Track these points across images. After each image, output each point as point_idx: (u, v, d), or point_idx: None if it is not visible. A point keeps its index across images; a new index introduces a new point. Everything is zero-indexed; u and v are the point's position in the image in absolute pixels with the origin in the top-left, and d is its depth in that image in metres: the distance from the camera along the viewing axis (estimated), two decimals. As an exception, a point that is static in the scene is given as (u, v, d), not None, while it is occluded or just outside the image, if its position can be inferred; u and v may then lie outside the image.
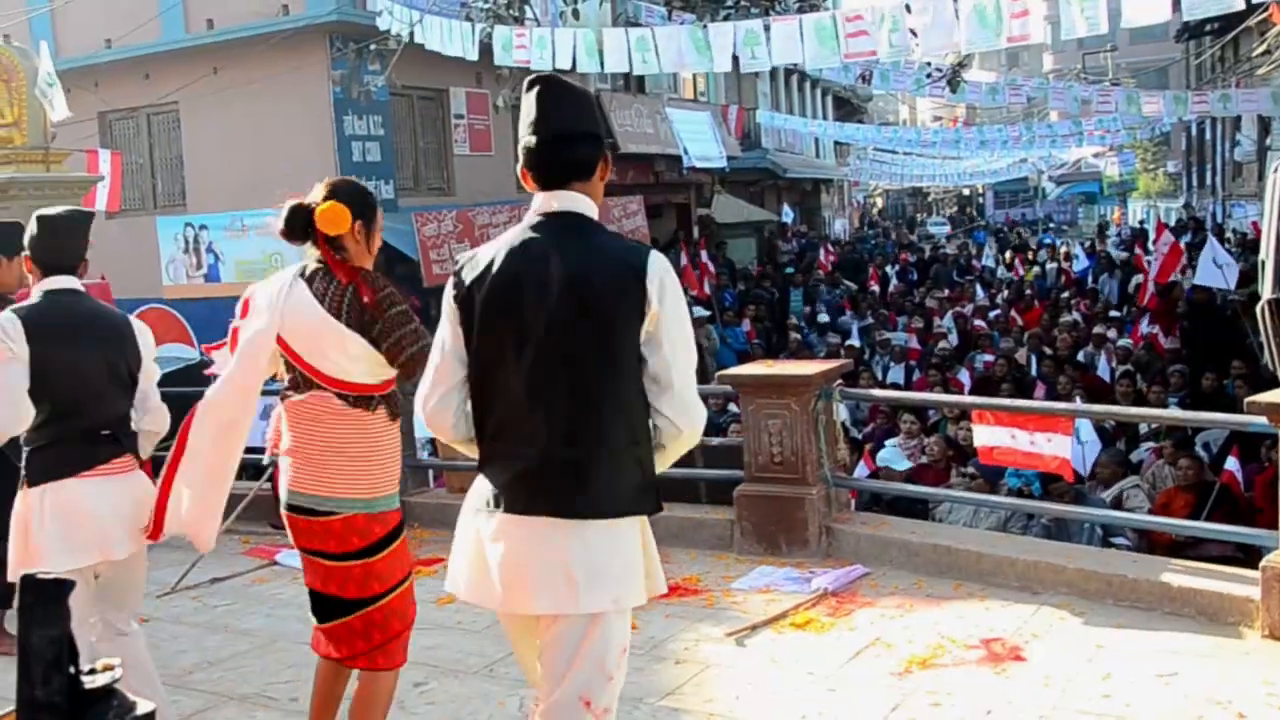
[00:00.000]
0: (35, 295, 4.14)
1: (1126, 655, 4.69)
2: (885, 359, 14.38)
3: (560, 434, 2.79)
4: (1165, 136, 41.92)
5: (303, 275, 3.66)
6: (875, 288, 21.23)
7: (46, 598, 1.96)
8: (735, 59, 8.51)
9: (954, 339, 15.50)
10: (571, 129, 2.98)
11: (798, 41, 7.87)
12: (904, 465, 9.11)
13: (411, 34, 11.25)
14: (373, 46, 13.74)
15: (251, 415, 3.82)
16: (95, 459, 3.89)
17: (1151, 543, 7.33)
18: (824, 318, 18.46)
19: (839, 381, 6.65)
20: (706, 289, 18.88)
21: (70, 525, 3.83)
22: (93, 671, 1.98)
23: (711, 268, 19.93)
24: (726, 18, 10.30)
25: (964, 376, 12.71)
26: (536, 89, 2.98)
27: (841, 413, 7.17)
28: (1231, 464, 7.72)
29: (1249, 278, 13.91)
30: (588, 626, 2.81)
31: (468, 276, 2.92)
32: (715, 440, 7.84)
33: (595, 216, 2.95)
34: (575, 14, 11.87)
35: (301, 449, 3.57)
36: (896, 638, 5.04)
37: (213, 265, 16.22)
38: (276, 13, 15.34)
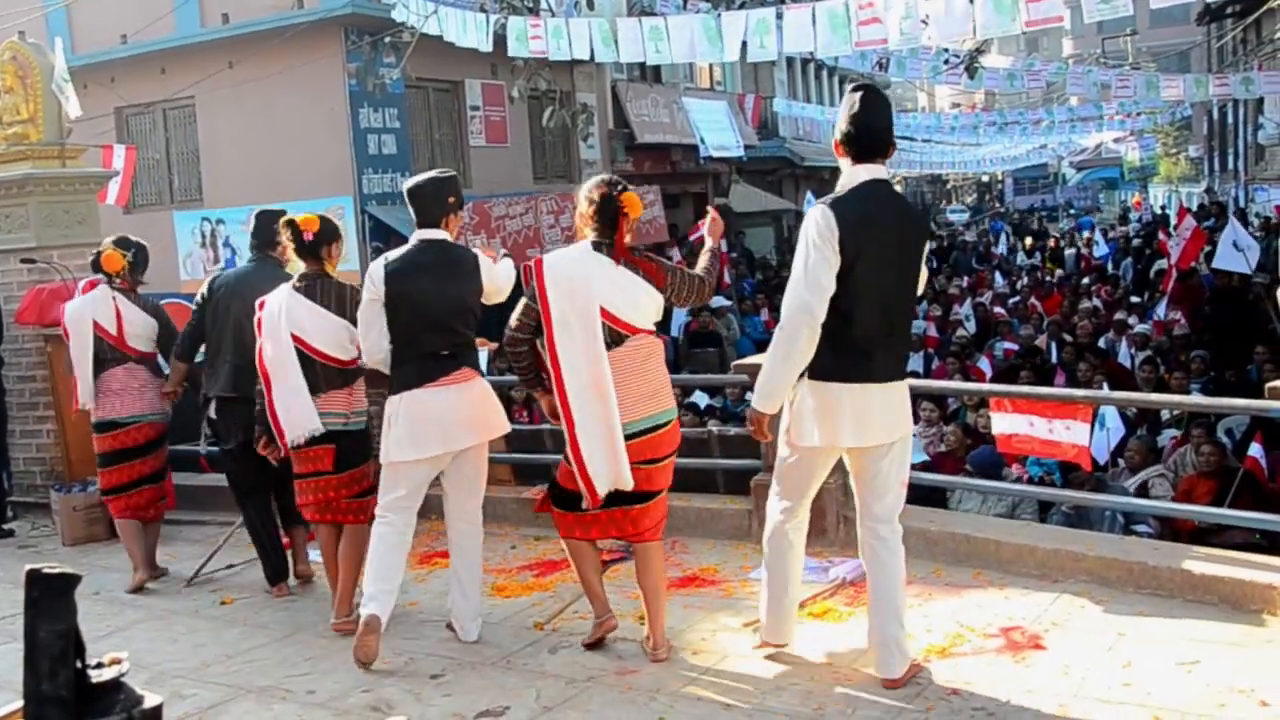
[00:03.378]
0: (410, 243, 5.18)
1: (1147, 643, 4.65)
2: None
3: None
4: (1186, 120, 41.57)
5: (596, 249, 4.71)
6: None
7: (53, 592, 1.96)
8: (745, 47, 8.45)
9: (972, 326, 15.42)
10: (888, 128, 4.38)
11: (809, 29, 7.81)
12: (919, 457, 9.06)
13: (426, 26, 11.23)
14: (387, 39, 13.74)
15: (607, 377, 4.61)
16: (440, 372, 4.97)
17: (1175, 530, 7.28)
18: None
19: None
20: (727, 278, 18.86)
21: (416, 424, 4.93)
22: (99, 665, 1.98)
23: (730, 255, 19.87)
24: (742, 6, 10.24)
25: (984, 364, 12.64)
26: (861, 94, 4.34)
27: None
28: (1255, 450, 7.65)
29: (1273, 263, 13.83)
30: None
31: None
32: (733, 430, 7.82)
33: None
34: (590, 4, 11.83)
35: (632, 385, 4.63)
36: (915, 627, 5.00)
37: (230, 259, 16.27)
38: (291, 6, 15.36)
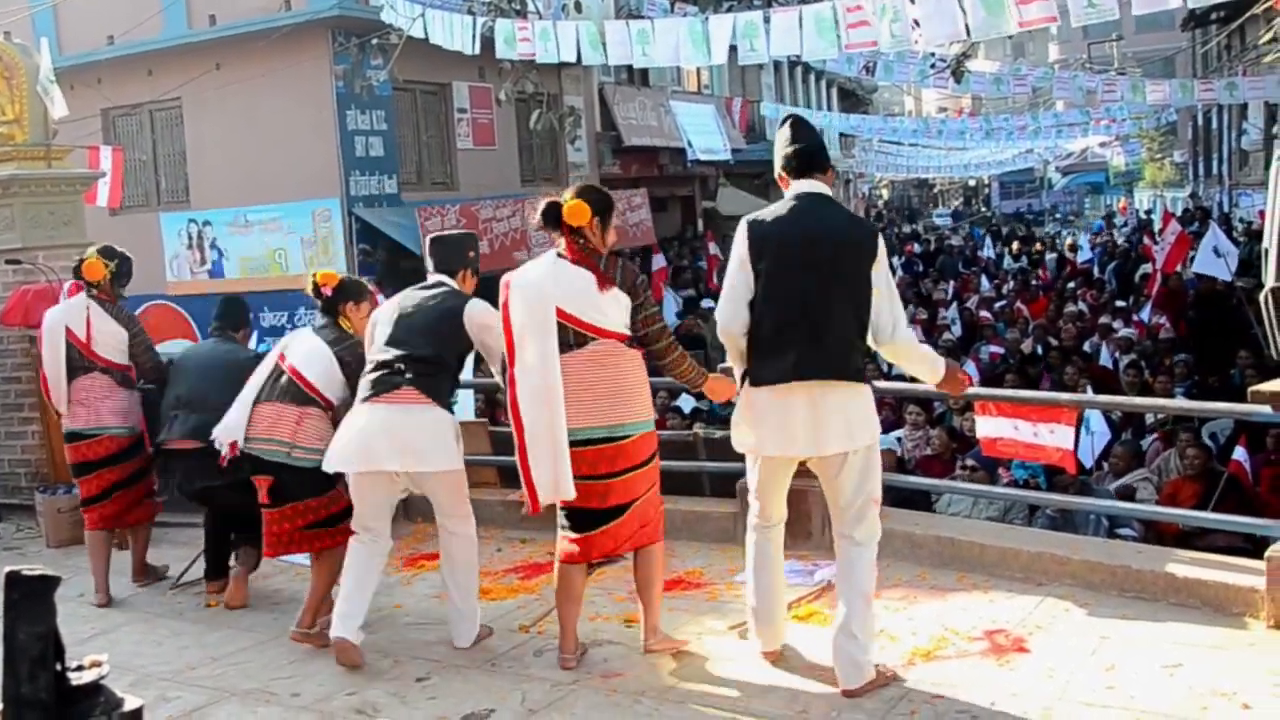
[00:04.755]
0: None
1: (1131, 646, 4.67)
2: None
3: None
4: (1171, 126, 41.76)
5: (558, 256, 4.71)
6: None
7: (33, 594, 1.95)
8: (733, 50, 8.45)
9: (957, 330, 15.45)
10: (818, 149, 4.60)
11: (797, 32, 7.81)
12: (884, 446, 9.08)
13: (414, 28, 11.21)
14: (375, 41, 13.70)
15: (557, 379, 4.55)
16: (385, 388, 4.98)
17: (1159, 533, 7.30)
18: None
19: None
20: (715, 280, 18.88)
21: (345, 436, 4.99)
22: (80, 668, 1.97)
23: (721, 258, 19.89)
24: (729, 9, 10.24)
25: (970, 368, 12.66)
26: (790, 122, 4.65)
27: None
28: (1239, 454, 7.68)
29: (1254, 267, 13.87)
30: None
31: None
32: (718, 433, 7.82)
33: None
34: (578, 6, 11.82)
35: (589, 390, 4.56)
36: (900, 629, 5.02)
37: (216, 261, 16.25)
38: (278, 8, 15.33)
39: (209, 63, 15.65)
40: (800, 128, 4.60)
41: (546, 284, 4.61)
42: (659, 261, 18.18)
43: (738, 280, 4.44)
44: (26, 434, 8.42)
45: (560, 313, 4.57)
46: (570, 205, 4.63)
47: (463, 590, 5.20)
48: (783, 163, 4.55)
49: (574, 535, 4.72)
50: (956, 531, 6.07)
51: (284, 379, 5.47)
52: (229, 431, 5.52)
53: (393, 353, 5.00)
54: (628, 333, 4.66)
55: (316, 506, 5.39)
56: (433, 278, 5.26)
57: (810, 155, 4.51)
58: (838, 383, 4.33)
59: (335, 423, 5.34)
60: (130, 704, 2.01)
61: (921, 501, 7.83)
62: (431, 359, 5.01)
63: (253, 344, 12.49)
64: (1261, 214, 22.26)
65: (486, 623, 5.37)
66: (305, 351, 5.51)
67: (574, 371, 4.57)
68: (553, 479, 4.54)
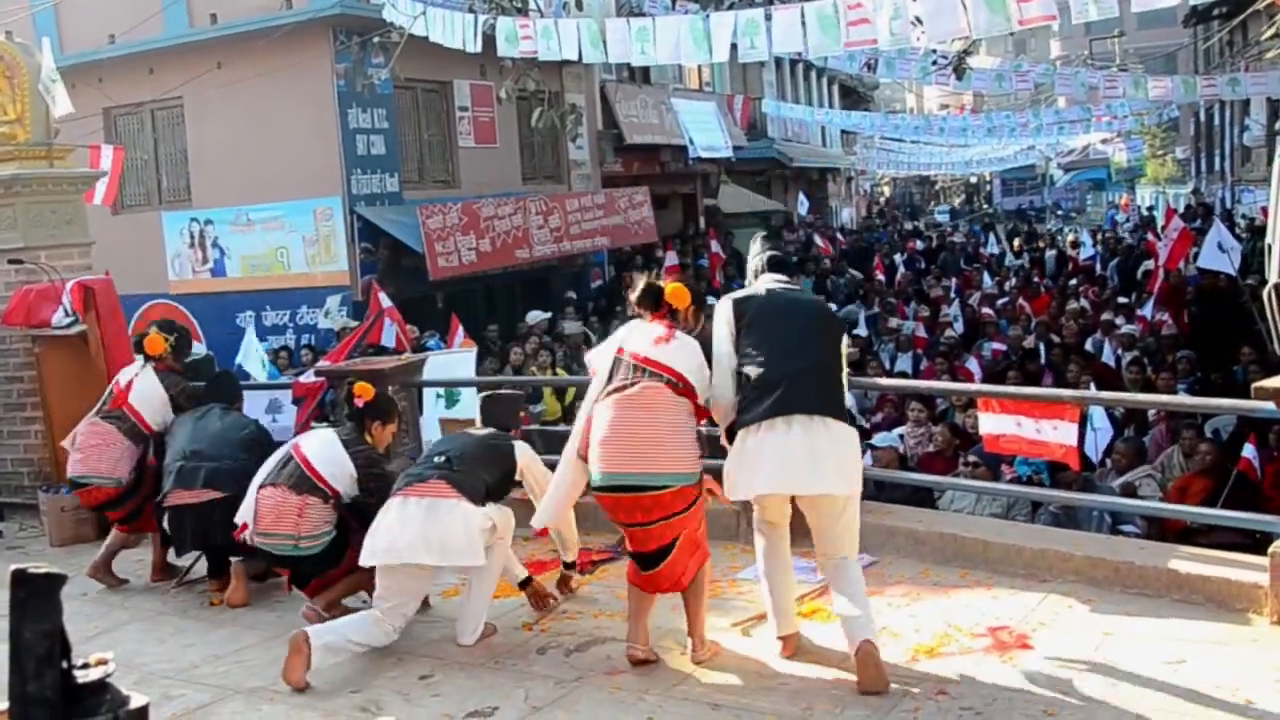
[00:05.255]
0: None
1: (1134, 642, 4.67)
2: (892, 347, 14.34)
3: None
4: (1174, 122, 41.67)
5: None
6: (881, 277, 21.15)
7: (39, 592, 1.95)
8: (734, 48, 8.42)
9: (959, 327, 15.44)
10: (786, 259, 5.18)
11: (799, 30, 7.78)
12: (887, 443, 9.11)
13: (415, 26, 11.20)
14: (376, 39, 13.68)
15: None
16: (419, 480, 5.16)
17: (1163, 529, 7.30)
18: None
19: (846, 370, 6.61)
20: (720, 279, 18.89)
21: (379, 530, 5.07)
22: (85, 666, 1.97)
23: (723, 255, 19.91)
24: (730, 7, 10.22)
25: (973, 365, 12.66)
26: (760, 238, 5.24)
27: (849, 402, 7.13)
28: (1249, 451, 7.66)
29: (1258, 264, 13.86)
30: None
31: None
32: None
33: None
34: (579, 4, 11.79)
35: (627, 433, 4.59)
36: (903, 626, 5.02)
37: (218, 260, 16.25)
38: (279, 6, 15.31)
39: (210, 61, 15.63)
40: (770, 239, 5.22)
41: (620, 334, 4.96)
42: (670, 259, 18.17)
43: (724, 351, 4.71)
44: (29, 433, 8.43)
45: (620, 350, 4.81)
46: (673, 288, 4.87)
47: (482, 590, 5.23)
48: (755, 265, 5.02)
49: (638, 572, 4.79)
50: (959, 528, 6.07)
51: (291, 464, 5.54)
52: (242, 515, 5.64)
53: (435, 450, 5.30)
54: (686, 376, 4.70)
55: (335, 576, 5.50)
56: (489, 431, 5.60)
57: (780, 260, 5.04)
58: (829, 420, 4.47)
59: (340, 509, 5.50)
60: (136, 701, 2.01)
61: (924, 498, 7.83)
62: (475, 473, 5.18)
63: (255, 347, 12.62)
64: (1264, 210, 22.24)
65: (493, 620, 5.37)
66: (319, 442, 5.63)
67: (615, 410, 4.66)
68: (550, 508, 5.09)
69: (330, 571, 5.49)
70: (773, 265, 4.96)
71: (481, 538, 5.04)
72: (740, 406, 4.58)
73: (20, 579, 1.95)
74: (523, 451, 5.45)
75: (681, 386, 4.67)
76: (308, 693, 4.77)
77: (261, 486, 5.56)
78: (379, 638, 5.08)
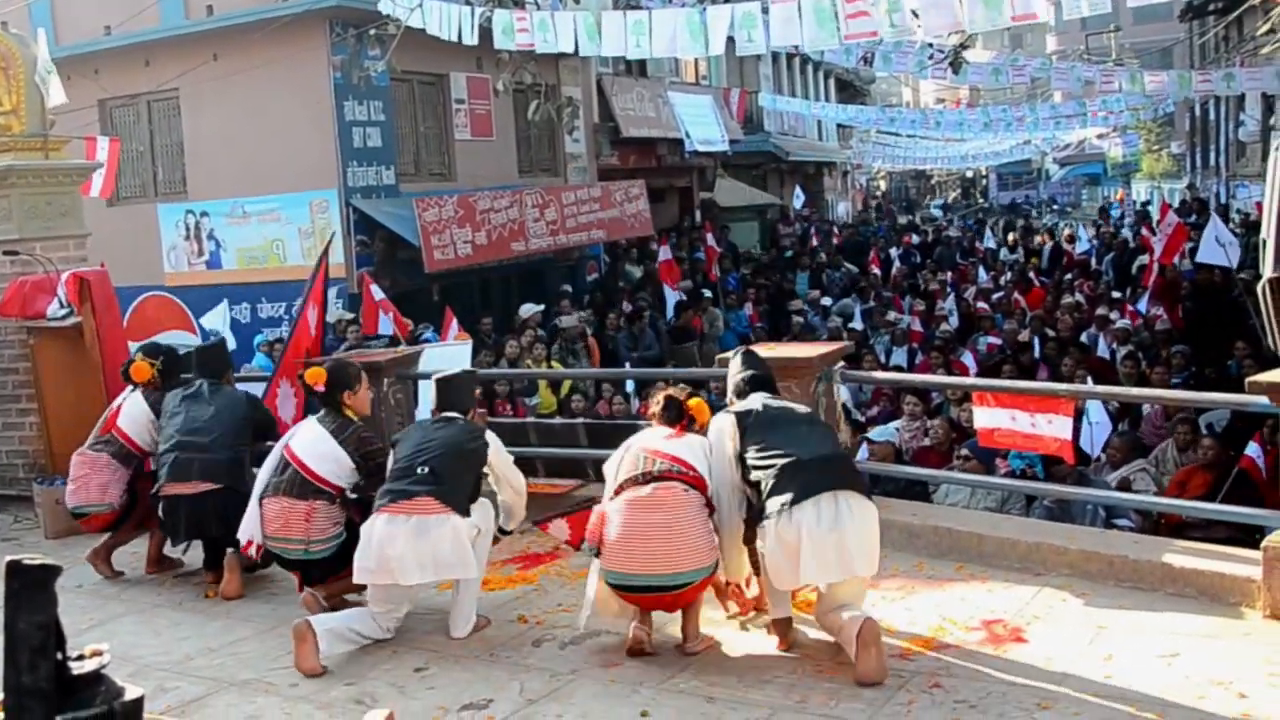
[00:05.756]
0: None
1: (1128, 636, 4.68)
2: (888, 341, 14.37)
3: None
4: (1169, 117, 41.71)
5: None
6: (876, 270, 21.17)
7: (33, 584, 1.95)
8: (731, 41, 8.43)
9: (955, 321, 15.46)
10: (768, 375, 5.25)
11: (796, 23, 7.79)
12: (884, 438, 9.13)
13: (411, 18, 11.18)
14: (372, 31, 13.66)
15: None
16: (404, 496, 5.08)
17: (1157, 524, 7.31)
18: (827, 300, 18.42)
19: (841, 364, 6.62)
20: (716, 272, 18.88)
21: (368, 549, 5.04)
22: (80, 657, 1.97)
23: (718, 250, 19.89)
24: (727, 0, 10.21)
25: (968, 359, 12.68)
26: (740, 357, 5.32)
27: (843, 395, 7.15)
28: (1253, 450, 7.65)
29: (1252, 259, 13.87)
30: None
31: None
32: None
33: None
34: (575, -3, 11.80)
35: (643, 533, 4.68)
36: (898, 619, 5.04)
37: (214, 252, 16.22)
38: (276, -2, 15.30)
39: (206, 53, 15.59)
40: (750, 358, 5.26)
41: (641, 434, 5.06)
42: (664, 254, 18.16)
43: (727, 468, 4.86)
44: (24, 425, 8.42)
45: (640, 447, 4.91)
46: (696, 404, 5.05)
47: (470, 584, 5.24)
48: (735, 387, 5.14)
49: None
50: (954, 522, 6.09)
51: (290, 470, 5.52)
52: (247, 532, 5.65)
53: (412, 460, 5.14)
54: (704, 479, 4.82)
55: (346, 575, 5.42)
56: (446, 415, 5.43)
57: (761, 380, 5.13)
58: (855, 496, 4.58)
59: (347, 506, 5.50)
60: (131, 694, 2.01)
61: (919, 492, 7.84)
62: (456, 477, 5.14)
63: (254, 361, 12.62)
64: (1259, 205, 22.27)
65: (488, 613, 5.39)
66: (310, 441, 5.58)
67: (632, 510, 4.73)
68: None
69: (343, 576, 5.46)
70: (757, 385, 5.10)
71: (470, 546, 5.07)
72: (766, 493, 4.61)
73: (15, 570, 1.95)
74: (494, 449, 5.39)
75: (692, 476, 4.78)
76: (301, 685, 4.77)
77: (264, 498, 5.56)
78: (378, 631, 5.11)
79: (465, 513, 5.07)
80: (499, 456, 5.43)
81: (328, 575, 5.52)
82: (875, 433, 9.44)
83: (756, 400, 4.98)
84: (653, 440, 4.93)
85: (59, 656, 1.96)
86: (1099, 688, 4.22)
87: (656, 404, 5.08)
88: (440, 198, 15.35)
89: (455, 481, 5.10)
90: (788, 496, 4.50)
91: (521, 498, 5.63)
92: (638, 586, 4.70)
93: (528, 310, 15.05)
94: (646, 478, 4.76)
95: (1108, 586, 5.25)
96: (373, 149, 15.89)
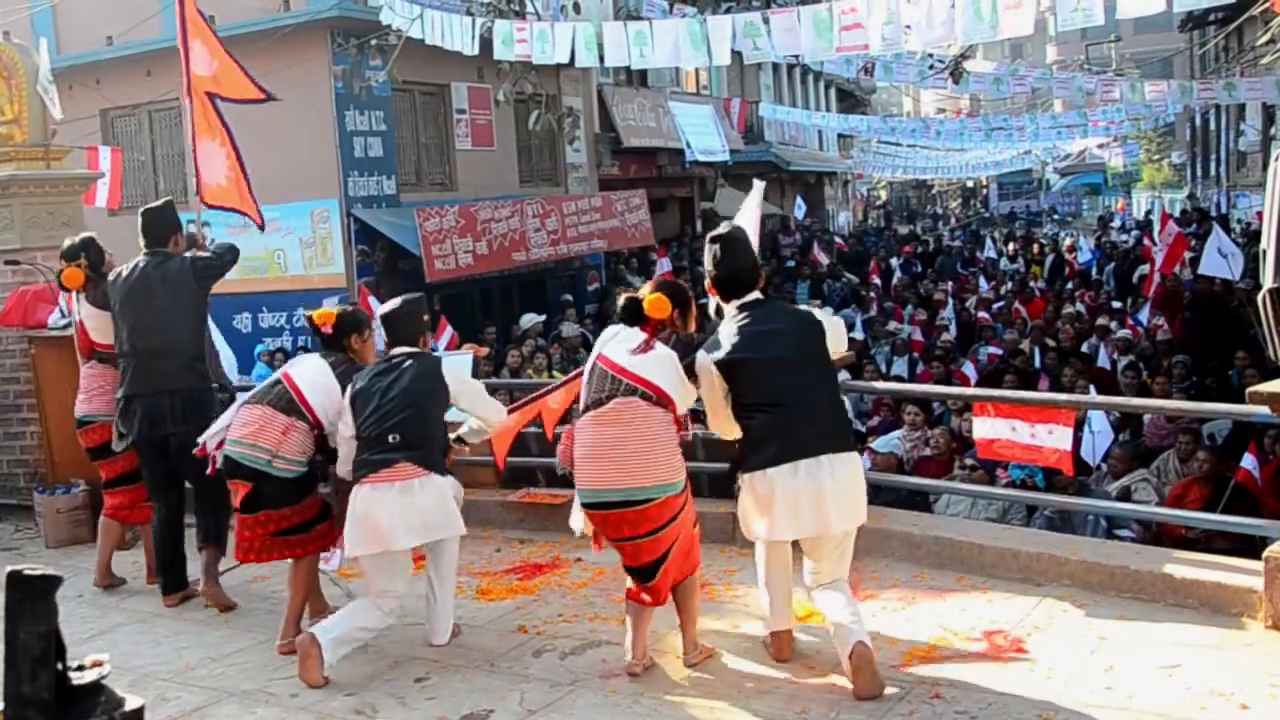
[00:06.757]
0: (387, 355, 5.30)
1: (1129, 647, 4.68)
2: (888, 351, 14.36)
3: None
4: (1169, 127, 41.79)
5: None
6: (877, 280, 21.18)
7: (34, 594, 1.95)
8: (735, 53, 8.48)
9: (955, 331, 15.46)
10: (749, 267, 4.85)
11: (795, 34, 7.83)
12: (888, 448, 9.12)
13: (412, 29, 11.23)
14: (374, 41, 13.72)
15: None
16: (383, 465, 5.00)
17: (1159, 535, 7.30)
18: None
19: (841, 373, 6.61)
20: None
21: (358, 522, 4.96)
22: (81, 668, 1.97)
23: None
24: (728, 11, 10.25)
25: (969, 369, 12.68)
26: (720, 244, 4.80)
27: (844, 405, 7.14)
28: (1249, 462, 7.65)
29: (1252, 269, 13.88)
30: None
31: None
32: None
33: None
34: (576, 8, 11.84)
35: (608, 450, 4.60)
36: (898, 630, 5.03)
37: (214, 262, 16.21)
38: (278, 8, 15.32)
39: (208, 63, 15.62)
40: (728, 251, 4.80)
41: (606, 340, 4.87)
42: (664, 265, 18.16)
43: (716, 397, 4.72)
44: (25, 435, 8.42)
45: (601, 358, 4.77)
46: (652, 300, 4.77)
47: (446, 588, 5.26)
48: (713, 283, 4.85)
49: (638, 588, 4.76)
50: (955, 532, 6.08)
51: (279, 387, 5.46)
52: (215, 436, 5.52)
53: (380, 426, 5.02)
54: (668, 392, 4.69)
55: (290, 514, 5.38)
56: (394, 352, 5.27)
57: (740, 277, 4.78)
58: (834, 457, 4.50)
59: (318, 442, 5.40)
60: (131, 704, 2.01)
61: (920, 502, 7.84)
62: (427, 433, 5.07)
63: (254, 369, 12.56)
64: (1259, 215, 22.27)
65: (488, 623, 5.39)
66: (311, 369, 5.52)
67: (595, 429, 4.67)
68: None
69: (284, 510, 5.35)
70: (738, 287, 4.79)
71: (454, 505, 5.09)
72: (748, 445, 4.61)
73: (16, 581, 1.95)
74: (455, 382, 5.25)
75: (656, 399, 4.67)
76: (302, 696, 4.77)
77: (244, 405, 5.48)
78: (381, 619, 5.07)
79: (444, 471, 5.08)
80: (463, 387, 5.31)
81: (269, 506, 5.34)
82: (878, 443, 9.44)
83: (733, 328, 4.68)
84: (620, 354, 4.73)
85: (59, 666, 1.96)
86: (1100, 699, 4.21)
87: (618, 308, 4.91)
88: (441, 208, 15.37)
89: (428, 442, 5.05)
90: (768, 455, 4.49)
91: (491, 428, 5.52)
92: (598, 504, 4.65)
93: (528, 321, 15.07)
94: (611, 395, 4.67)
95: (1109, 597, 5.24)
96: (374, 159, 15.91)
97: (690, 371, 4.75)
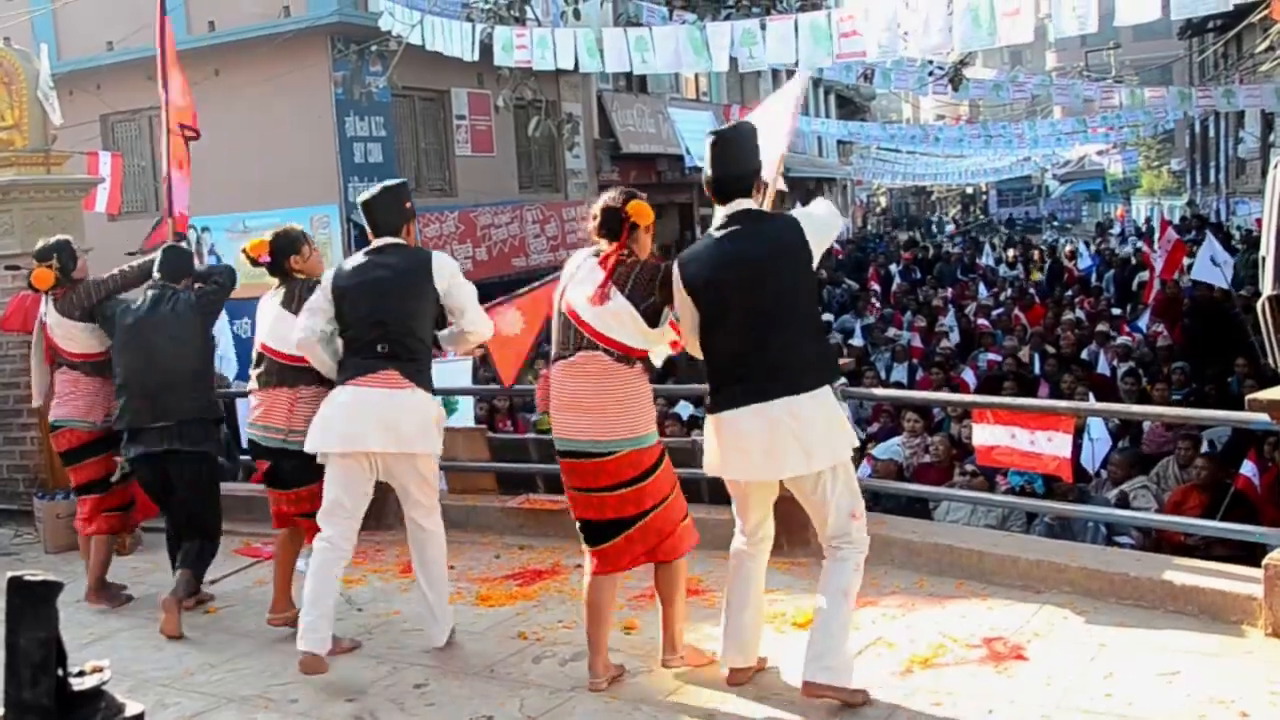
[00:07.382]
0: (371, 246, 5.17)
1: (1129, 654, 4.67)
2: (888, 357, 14.37)
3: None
4: (1169, 134, 41.87)
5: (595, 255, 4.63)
6: (876, 287, 21.20)
7: (35, 600, 1.95)
8: (733, 60, 8.50)
9: (955, 337, 15.47)
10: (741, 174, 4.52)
11: (793, 41, 7.85)
12: (888, 455, 9.12)
13: (412, 35, 11.24)
14: (374, 47, 13.73)
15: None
16: (368, 369, 4.93)
17: (1159, 542, 7.30)
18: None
19: (841, 380, 6.61)
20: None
21: (328, 416, 4.99)
22: (81, 673, 1.97)
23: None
24: (728, 17, 10.27)
25: (968, 375, 12.68)
26: (713, 141, 4.55)
27: (844, 412, 7.14)
28: (1248, 469, 7.65)
29: (1251, 275, 13.89)
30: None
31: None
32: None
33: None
34: (576, 14, 11.84)
35: (572, 400, 4.51)
36: (898, 637, 5.02)
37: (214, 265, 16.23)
38: (278, 14, 15.35)
39: (208, 69, 15.64)
40: (719, 150, 4.52)
41: (570, 282, 4.63)
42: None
43: (686, 315, 4.48)
44: (25, 440, 8.41)
45: (570, 311, 4.58)
46: (635, 206, 4.57)
47: (438, 590, 5.23)
48: (712, 184, 4.54)
49: (588, 548, 4.66)
50: (955, 539, 6.07)
51: (266, 361, 5.51)
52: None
53: (378, 332, 4.95)
54: (627, 344, 4.52)
55: (309, 496, 5.34)
56: (380, 243, 5.14)
57: (728, 183, 4.47)
58: (796, 398, 4.24)
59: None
60: (131, 709, 2.01)
61: (920, 509, 7.84)
62: (415, 344, 5.00)
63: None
64: (1259, 222, 22.30)
65: (487, 629, 5.38)
66: (271, 325, 5.52)
67: (560, 378, 4.59)
68: None
69: (303, 489, 5.37)
70: (729, 190, 4.49)
71: (433, 426, 5.03)
72: (711, 382, 4.46)
73: (16, 586, 1.95)
74: (444, 274, 5.08)
75: (620, 355, 4.51)
76: (301, 701, 4.76)
77: (253, 392, 5.58)
78: (341, 557, 5.02)
79: (430, 389, 5.05)
80: (453, 283, 5.11)
81: (294, 483, 5.42)
82: (878, 450, 9.44)
83: (718, 223, 4.45)
84: (579, 301, 4.51)
85: (60, 672, 1.96)
86: (1100, 706, 4.21)
87: (594, 218, 4.64)
88: (441, 213, 15.40)
89: (417, 355, 5.00)
90: (724, 398, 4.36)
91: (473, 339, 5.28)
92: (565, 452, 4.56)
93: (527, 326, 15.05)
94: (576, 348, 4.54)
95: (1109, 604, 5.24)
96: (374, 164, 15.93)
97: (666, 282, 4.51)
